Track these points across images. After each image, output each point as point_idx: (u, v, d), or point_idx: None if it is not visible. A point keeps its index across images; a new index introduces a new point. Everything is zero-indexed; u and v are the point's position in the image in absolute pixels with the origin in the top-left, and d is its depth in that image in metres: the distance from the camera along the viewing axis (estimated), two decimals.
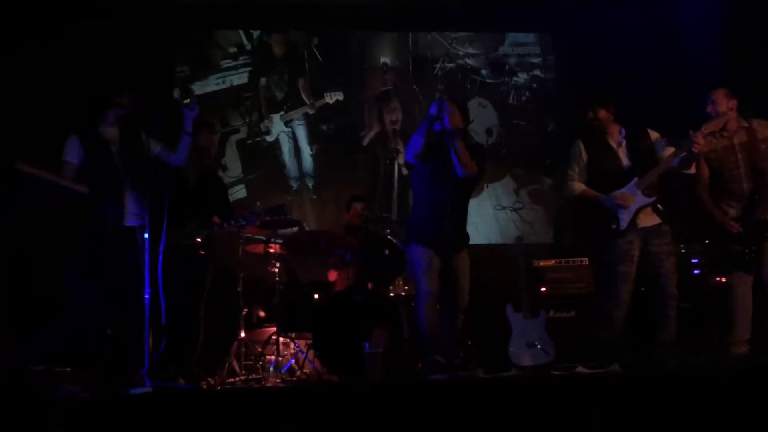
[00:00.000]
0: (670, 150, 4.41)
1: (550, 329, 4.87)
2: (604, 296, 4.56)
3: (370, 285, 5.30)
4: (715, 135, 4.51)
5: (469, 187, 4.54)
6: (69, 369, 3.89)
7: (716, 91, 4.54)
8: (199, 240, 4.44)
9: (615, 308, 4.42)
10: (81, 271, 3.86)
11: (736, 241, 4.46)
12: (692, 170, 4.48)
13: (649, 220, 4.45)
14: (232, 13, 6.95)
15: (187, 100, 4.17)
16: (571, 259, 5.60)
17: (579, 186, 4.60)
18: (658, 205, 4.44)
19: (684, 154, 4.32)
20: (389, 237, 5.50)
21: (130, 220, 4.00)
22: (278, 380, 4.58)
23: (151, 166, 4.11)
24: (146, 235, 3.72)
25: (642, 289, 4.61)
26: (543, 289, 5.55)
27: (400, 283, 5.31)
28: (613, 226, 4.43)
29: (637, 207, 4.42)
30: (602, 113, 4.53)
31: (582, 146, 4.62)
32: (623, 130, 4.56)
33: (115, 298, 3.86)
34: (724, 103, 4.51)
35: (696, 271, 5.51)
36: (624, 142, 4.54)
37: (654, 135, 4.55)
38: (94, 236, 3.91)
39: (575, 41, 6.98)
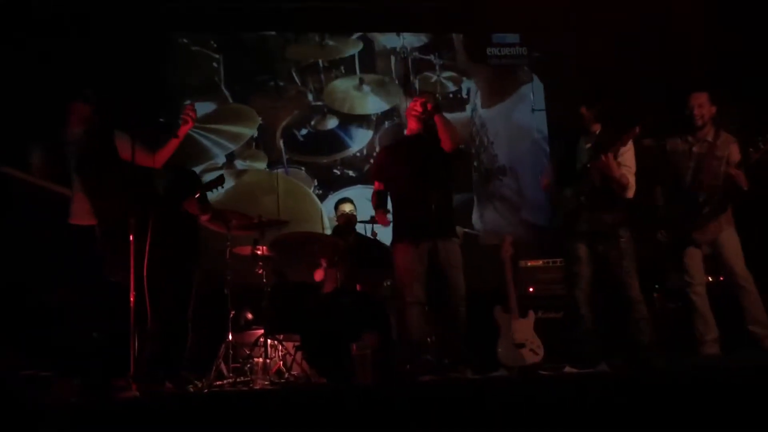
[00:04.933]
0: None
1: (539, 329, 4.88)
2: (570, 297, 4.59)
3: (358, 287, 5.30)
4: (681, 136, 4.57)
5: (448, 167, 4.60)
6: (55, 373, 3.86)
7: (700, 95, 4.56)
8: (178, 245, 4.44)
9: (576, 308, 4.45)
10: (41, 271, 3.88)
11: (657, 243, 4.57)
12: (630, 194, 4.46)
13: (584, 226, 4.46)
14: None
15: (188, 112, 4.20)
16: (558, 260, 5.62)
17: (545, 180, 4.76)
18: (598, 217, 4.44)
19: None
20: (377, 238, 5.49)
21: (81, 219, 3.97)
22: (266, 382, 4.57)
23: (111, 165, 4.07)
24: (131, 238, 3.69)
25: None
26: (531, 290, 5.57)
27: (387, 284, 5.32)
28: (555, 225, 4.55)
29: (571, 209, 4.46)
30: (582, 110, 4.55)
31: (563, 143, 4.72)
32: (599, 131, 4.56)
33: (77, 298, 3.86)
34: (707, 107, 4.53)
35: None
36: (591, 147, 4.53)
37: (629, 146, 4.52)
38: (40, 237, 3.92)
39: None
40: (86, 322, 3.92)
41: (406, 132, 4.85)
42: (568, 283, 4.55)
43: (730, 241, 4.48)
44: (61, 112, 4.23)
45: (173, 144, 4.26)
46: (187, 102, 4.29)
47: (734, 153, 4.54)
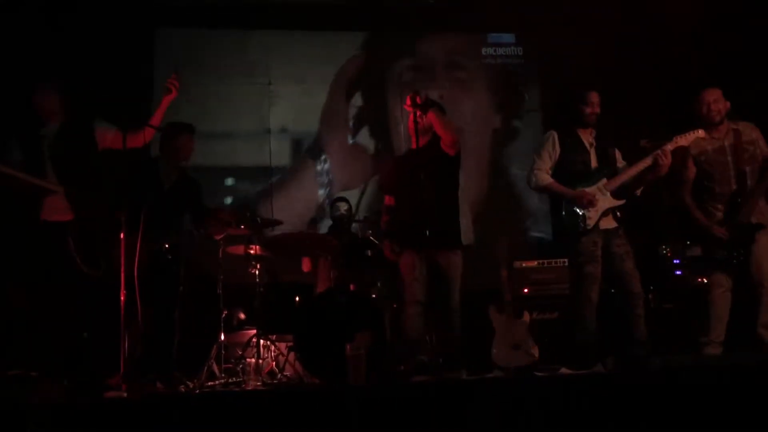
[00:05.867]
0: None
1: (534, 330, 4.86)
2: (574, 298, 4.55)
3: (352, 286, 5.26)
4: (705, 137, 4.49)
5: (450, 179, 4.59)
6: (44, 373, 3.80)
7: (714, 90, 4.52)
8: (167, 246, 4.40)
9: (585, 309, 4.41)
10: (9, 271, 3.85)
11: (722, 246, 4.43)
12: (638, 192, 4.48)
13: (608, 223, 4.46)
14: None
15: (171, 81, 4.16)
16: (552, 260, 5.62)
17: (546, 178, 4.54)
18: (617, 212, 4.45)
19: (651, 166, 4.33)
20: (371, 238, 5.46)
21: (55, 215, 3.93)
22: (258, 383, 4.52)
23: (89, 158, 4.02)
24: (121, 236, 3.63)
25: (612, 290, 4.63)
26: (525, 290, 5.54)
27: (381, 284, 5.27)
28: (581, 227, 4.40)
29: (605, 208, 4.42)
30: (598, 109, 4.51)
31: (556, 138, 4.57)
32: (594, 131, 4.56)
33: (51, 297, 3.81)
34: (722, 102, 4.51)
35: (677, 272, 5.53)
36: (594, 144, 4.55)
37: (619, 154, 4.57)
38: (13, 234, 3.88)
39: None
40: (76, 322, 3.87)
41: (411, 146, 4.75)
42: (581, 284, 4.44)
43: (763, 239, 4.42)
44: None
45: (159, 112, 4.24)
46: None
47: (759, 135, 4.52)
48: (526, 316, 4.90)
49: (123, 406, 3.17)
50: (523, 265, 5.66)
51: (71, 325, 3.91)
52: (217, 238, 4.81)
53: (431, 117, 4.46)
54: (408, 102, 4.48)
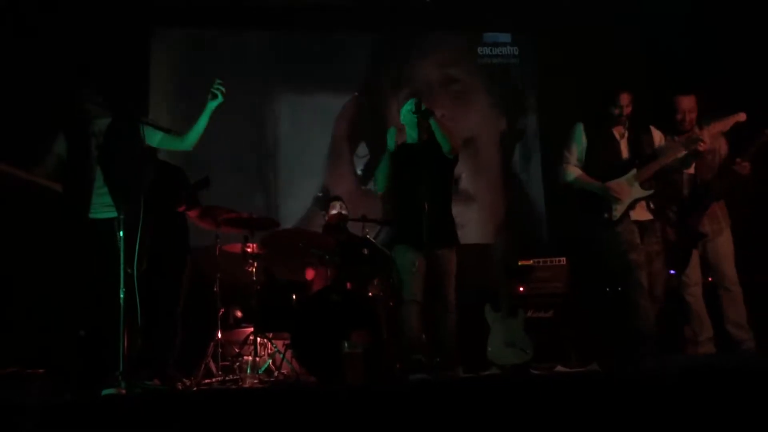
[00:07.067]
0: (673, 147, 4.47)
1: (529, 329, 4.88)
2: (627, 288, 4.47)
3: (348, 285, 5.27)
4: (668, 138, 4.57)
5: (446, 178, 4.62)
6: (41, 371, 3.81)
7: (689, 98, 4.58)
8: (173, 239, 4.38)
9: (639, 296, 4.33)
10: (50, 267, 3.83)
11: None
12: (692, 170, 4.53)
13: (642, 214, 4.47)
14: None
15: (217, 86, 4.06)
16: (548, 259, 5.63)
17: (574, 170, 4.57)
18: (651, 203, 4.46)
19: (686, 152, 4.38)
20: (368, 236, 5.47)
21: (102, 212, 3.92)
22: (255, 381, 4.54)
23: (134, 158, 3.99)
24: (121, 234, 3.63)
25: (618, 288, 4.64)
26: (521, 289, 5.56)
27: (378, 283, 5.29)
28: (605, 215, 4.41)
29: (633, 198, 4.42)
30: (629, 111, 4.54)
31: (583, 130, 4.59)
32: (627, 122, 4.57)
33: (88, 295, 3.79)
34: (695, 112, 4.56)
35: (672, 272, 5.55)
36: (627, 134, 4.56)
37: (657, 134, 4.58)
38: (57, 231, 3.86)
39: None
40: (74, 319, 3.87)
41: (406, 140, 4.76)
42: (628, 273, 4.36)
43: (725, 244, 4.50)
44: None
45: (204, 119, 4.10)
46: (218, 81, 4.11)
47: (723, 144, 4.60)
48: (521, 315, 4.93)
49: (119, 403, 3.17)
50: (519, 263, 5.68)
51: (74, 322, 3.89)
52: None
53: (432, 124, 4.48)
54: (412, 108, 4.50)
